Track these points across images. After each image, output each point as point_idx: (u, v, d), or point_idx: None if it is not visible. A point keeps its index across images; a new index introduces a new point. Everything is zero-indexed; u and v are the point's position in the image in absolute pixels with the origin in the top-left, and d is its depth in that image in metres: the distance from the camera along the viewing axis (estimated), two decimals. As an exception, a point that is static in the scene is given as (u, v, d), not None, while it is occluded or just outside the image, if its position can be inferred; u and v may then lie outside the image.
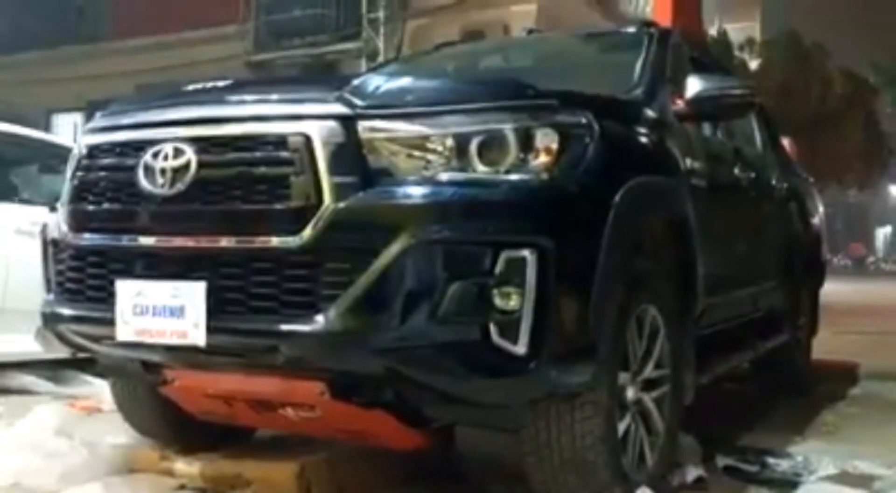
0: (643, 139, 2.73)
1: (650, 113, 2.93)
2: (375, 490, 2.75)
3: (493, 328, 2.06)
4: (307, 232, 2.06)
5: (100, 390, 3.97)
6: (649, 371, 2.63)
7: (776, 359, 4.37)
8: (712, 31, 15.38)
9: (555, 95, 2.35)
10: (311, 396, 2.31)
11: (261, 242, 2.11)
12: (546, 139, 2.20)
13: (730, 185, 3.67)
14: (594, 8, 15.20)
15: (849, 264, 35.15)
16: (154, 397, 2.85)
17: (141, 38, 15.97)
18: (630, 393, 2.53)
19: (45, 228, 2.64)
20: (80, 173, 2.47)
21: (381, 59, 13.28)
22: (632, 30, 3.79)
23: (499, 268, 2.06)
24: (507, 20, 13.63)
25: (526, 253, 2.07)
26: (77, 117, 17.91)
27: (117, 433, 3.10)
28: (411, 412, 2.35)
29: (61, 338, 2.50)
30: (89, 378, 4.54)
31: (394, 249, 2.03)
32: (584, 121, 2.32)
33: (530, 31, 4.60)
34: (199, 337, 2.15)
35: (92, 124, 2.55)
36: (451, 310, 2.04)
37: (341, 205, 2.07)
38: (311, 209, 2.07)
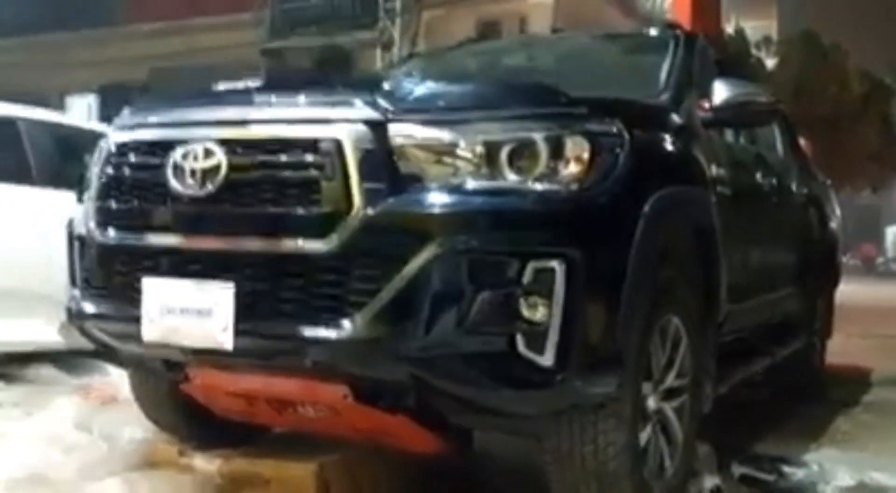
0: (671, 148, 2.71)
1: (677, 120, 2.92)
2: (393, 491, 2.76)
3: (519, 339, 2.06)
4: (336, 237, 2.06)
5: (115, 379, 3.97)
6: (670, 381, 2.63)
7: (791, 364, 4.36)
8: (729, 28, 15.27)
9: (586, 103, 2.33)
10: (335, 398, 2.32)
11: (290, 246, 2.11)
12: (577, 148, 2.19)
13: (752, 191, 3.65)
14: (612, 3, 15.13)
15: (859, 263, 35.02)
16: (173, 392, 2.86)
17: (155, 22, 15.99)
18: (651, 403, 2.53)
19: (71, 222, 2.64)
20: (108, 170, 2.47)
21: (396, 49, 13.27)
22: (657, 32, 3.77)
23: (527, 278, 2.06)
24: (524, 12, 13.59)
25: (554, 264, 2.07)
26: (91, 100, 17.97)
27: (135, 426, 3.11)
28: (433, 418, 2.35)
29: (86, 334, 2.51)
30: (106, 366, 4.54)
31: (422, 257, 2.03)
32: (614, 130, 2.31)
33: (555, 30, 4.57)
34: (226, 340, 2.16)
35: (121, 121, 2.54)
36: (479, 320, 2.04)
37: (371, 211, 2.07)
38: (340, 215, 2.07)
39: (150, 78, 16.06)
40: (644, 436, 2.46)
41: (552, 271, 2.06)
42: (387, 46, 13.16)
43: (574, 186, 2.17)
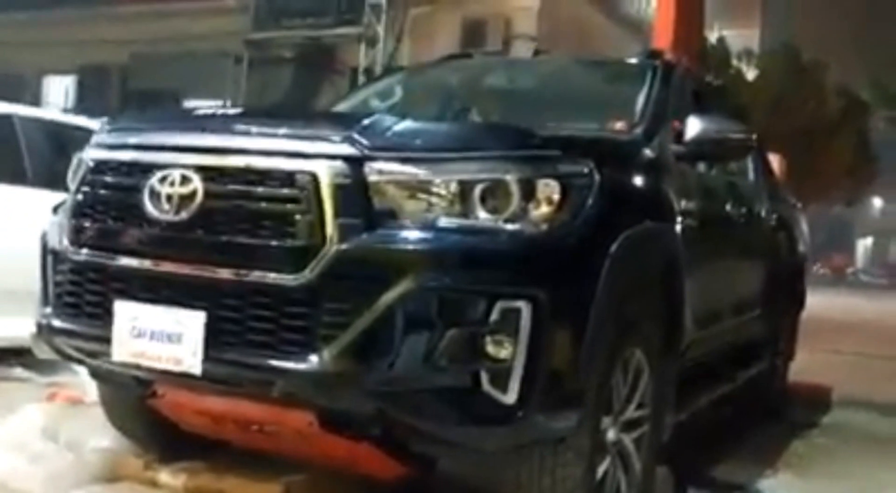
0: (641, 185, 2.78)
1: (649, 154, 2.97)
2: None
3: (484, 376, 2.11)
4: (308, 271, 2.10)
5: (84, 379, 3.97)
6: (631, 412, 2.69)
7: (752, 385, 4.45)
8: (712, 37, 15.42)
9: (558, 143, 2.38)
10: (301, 425, 2.35)
11: (262, 277, 2.15)
12: (547, 190, 2.25)
13: (721, 221, 3.73)
14: (596, 8, 15.20)
15: (828, 273, 35.48)
16: (141, 404, 2.88)
17: (138, 4, 15.82)
18: (611, 434, 2.59)
19: (44, 235, 2.65)
20: (84, 188, 2.48)
21: (380, 45, 13.24)
22: (636, 61, 3.82)
23: (494, 317, 2.11)
24: (509, 15, 13.62)
25: (521, 304, 2.12)
26: (69, 81, 17.77)
27: (101, 435, 3.12)
28: (397, 445, 2.40)
29: (56, 350, 2.52)
30: (75, 366, 4.54)
31: (393, 292, 2.08)
32: (585, 170, 2.37)
33: (537, 52, 4.62)
34: (195, 365, 2.19)
35: (99, 139, 2.56)
36: (446, 356, 2.09)
37: (344, 246, 2.11)
38: (313, 248, 2.11)
39: (130, 62, 15.91)
40: (602, 468, 2.52)
41: (518, 311, 2.11)
42: (371, 42, 13.14)
43: (543, 227, 2.22)
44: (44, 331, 2.53)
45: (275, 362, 2.12)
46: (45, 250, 2.61)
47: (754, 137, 3.30)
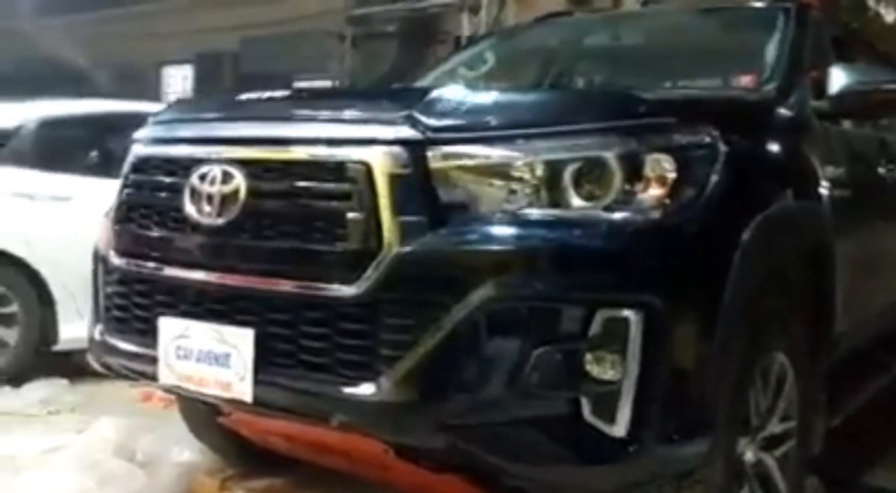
0: (777, 153, 2.27)
1: (786, 115, 2.46)
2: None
3: (585, 403, 1.72)
4: (364, 281, 1.74)
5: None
6: (773, 427, 2.23)
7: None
8: (845, -21, 14.09)
9: (671, 108, 1.93)
10: (373, 453, 2.03)
11: (313, 288, 1.81)
12: (659, 167, 1.81)
13: (874, 187, 3.14)
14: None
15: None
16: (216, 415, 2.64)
17: (246, -10, 15.88)
18: (749, 456, 2.14)
19: (96, 242, 2.41)
20: (127, 189, 2.22)
21: (483, 13, 12.76)
22: (764, 4, 3.26)
23: (594, 330, 1.70)
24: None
25: (628, 313, 1.70)
26: (187, 70, 18.16)
27: (182, 447, 2.91)
28: (488, 478, 2.03)
29: (107, 368, 2.28)
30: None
31: (468, 304, 1.69)
32: (706, 140, 1.91)
33: (645, 3, 4.09)
34: (244, 391, 1.88)
35: (143, 133, 2.28)
36: (535, 380, 1.69)
37: (405, 249, 1.74)
38: (369, 253, 1.75)
39: (241, 47, 16.06)
40: (740, 499, 2.08)
41: (625, 321, 1.70)
42: (474, 10, 12.66)
43: (655, 215, 1.79)
44: (94, 347, 2.30)
45: (330, 389, 1.78)
46: (96, 259, 2.37)
47: None
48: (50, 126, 4.44)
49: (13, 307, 4.13)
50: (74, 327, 3.89)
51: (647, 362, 1.71)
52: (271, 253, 1.88)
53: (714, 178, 1.88)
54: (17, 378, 4.06)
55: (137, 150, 2.25)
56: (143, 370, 2.13)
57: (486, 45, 3.86)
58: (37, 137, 4.38)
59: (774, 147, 2.29)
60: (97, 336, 2.27)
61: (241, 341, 1.88)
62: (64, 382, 4.17)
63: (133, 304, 2.16)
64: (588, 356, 1.71)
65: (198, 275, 1.98)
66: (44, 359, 4.30)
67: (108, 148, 4.50)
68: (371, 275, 1.74)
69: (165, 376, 2.02)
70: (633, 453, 1.73)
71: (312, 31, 14.27)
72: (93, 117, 4.60)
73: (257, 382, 1.87)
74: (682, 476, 1.89)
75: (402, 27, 13.41)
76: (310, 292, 1.81)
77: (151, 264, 2.09)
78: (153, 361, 2.05)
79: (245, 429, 2.51)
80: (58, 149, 4.42)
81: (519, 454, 1.74)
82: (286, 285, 1.85)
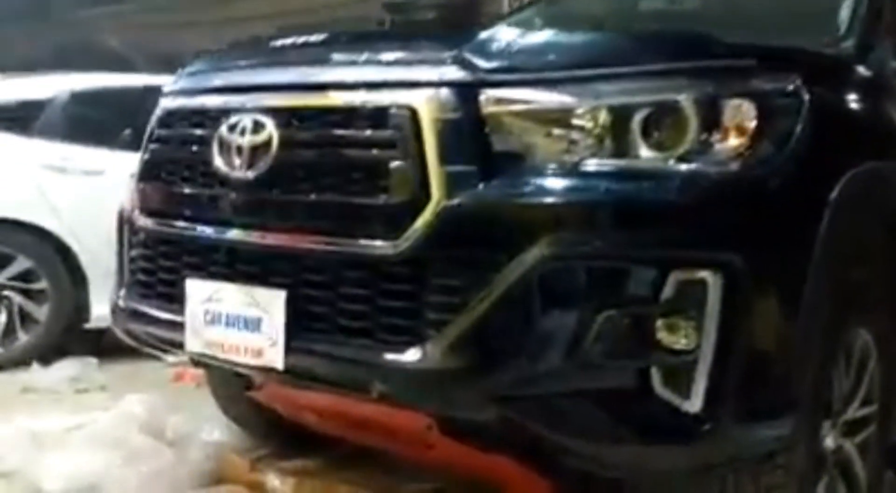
0: (861, 112, 2.06)
1: (866, 73, 2.24)
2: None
3: (655, 375, 1.53)
4: (408, 237, 1.57)
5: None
6: (853, 411, 2.02)
7: None
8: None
9: (750, 52, 1.73)
10: (416, 429, 1.86)
11: (352, 245, 1.64)
12: (739, 114, 1.61)
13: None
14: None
15: None
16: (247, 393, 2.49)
17: (284, -21, 15.84)
18: (829, 442, 1.94)
19: (121, 205, 2.27)
20: (152, 144, 2.08)
21: (524, -2, 12.53)
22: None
23: (667, 293, 1.51)
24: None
25: (706, 275, 1.51)
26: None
27: (212, 425, 2.78)
28: (541, 460, 1.85)
29: (132, 336, 2.14)
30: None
31: (523, 263, 1.51)
32: (790, 87, 1.71)
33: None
34: (276, 358, 1.72)
35: (171, 85, 2.13)
36: (599, 349, 1.51)
37: (454, 202, 1.56)
38: (414, 206, 1.57)
39: (278, 35, 16.02)
40: (821, 488, 1.88)
41: (703, 283, 1.51)
42: (515, -5, 12.44)
43: (734, 167, 1.59)
44: (117, 314, 2.16)
45: (369, 356, 1.61)
46: (121, 221, 2.23)
47: None
48: (82, 99, 4.34)
49: (43, 283, 4.04)
50: (106, 305, 3.78)
51: (727, 330, 1.52)
52: (306, 208, 1.71)
53: (799, 129, 1.68)
54: (46, 356, 3.98)
55: (164, 103, 2.10)
56: (168, 338, 1.99)
57: (534, 11, 3.66)
58: (69, 109, 4.29)
59: (858, 104, 2.07)
60: (121, 302, 2.13)
61: (273, 303, 1.72)
62: (94, 361, 4.07)
63: (159, 267, 2.01)
64: (659, 323, 1.52)
65: (227, 233, 1.83)
66: (75, 337, 4.22)
67: (141, 122, 4.38)
68: (416, 231, 1.57)
69: (192, 342, 1.87)
70: (709, 431, 1.54)
71: (349, 18, 14.16)
72: (126, 91, 4.48)
73: (290, 348, 1.71)
74: (760, 461, 1.70)
75: (441, 14, 13.24)
76: (348, 250, 1.64)
77: (178, 223, 1.94)
78: (179, 327, 1.90)
79: (278, 404, 2.36)
80: (90, 122, 4.32)
81: (579, 430, 1.56)
82: (322, 243, 1.68)
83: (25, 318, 4.03)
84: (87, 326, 4.20)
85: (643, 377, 1.53)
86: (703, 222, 1.55)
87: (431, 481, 2.29)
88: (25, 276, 4.01)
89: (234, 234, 1.81)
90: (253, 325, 1.75)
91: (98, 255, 4.01)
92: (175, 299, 1.93)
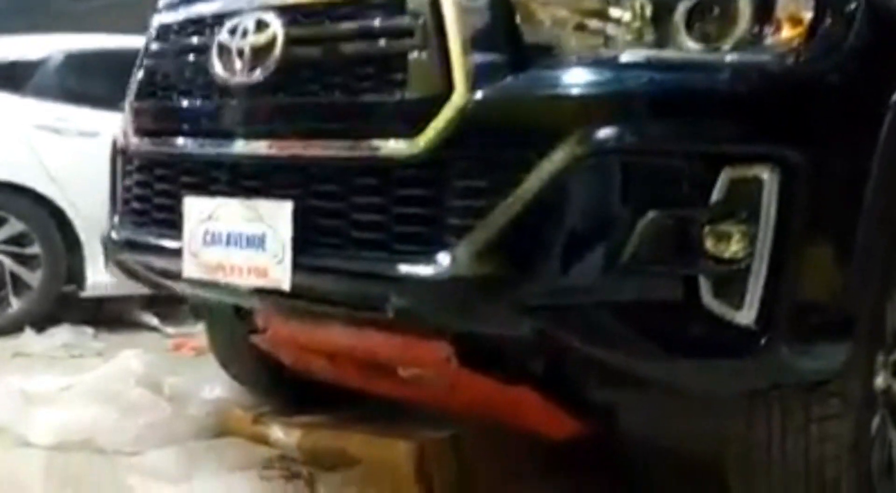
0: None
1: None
2: (510, 481, 2.13)
3: (703, 285, 1.37)
4: (429, 135, 1.41)
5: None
6: (903, 350, 1.87)
7: None
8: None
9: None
10: (434, 361, 1.71)
11: (365, 148, 1.49)
12: (793, 3, 1.45)
13: None
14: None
15: None
16: (250, 345, 2.34)
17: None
18: (880, 380, 1.78)
19: (115, 136, 2.12)
20: (147, 61, 1.93)
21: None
22: None
23: (718, 194, 1.36)
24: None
25: (763, 172, 1.36)
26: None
27: (214, 385, 2.63)
28: (567, 392, 1.70)
29: (125, 270, 1.99)
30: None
31: (555, 161, 1.35)
32: None
33: None
34: (282, 277, 1.57)
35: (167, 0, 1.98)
36: (640, 255, 1.35)
37: (479, 95, 1.41)
38: (435, 102, 1.42)
39: None
40: (874, 425, 1.73)
41: (759, 183, 1.36)
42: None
43: (790, 59, 1.44)
44: (108, 247, 2.01)
45: (388, 268, 1.46)
46: (114, 152, 2.08)
47: None
48: (77, 59, 4.19)
49: (36, 248, 3.89)
50: (102, 271, 3.63)
51: (784, 234, 1.37)
52: (314, 111, 1.57)
53: (859, 24, 1.52)
54: (40, 324, 3.83)
55: (159, 18, 1.95)
56: (164, 267, 1.84)
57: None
58: (63, 70, 4.14)
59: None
60: (113, 234, 1.98)
61: (278, 217, 1.57)
62: (90, 330, 3.93)
63: (154, 191, 1.86)
64: (708, 228, 1.37)
65: (227, 145, 1.68)
66: (71, 306, 4.07)
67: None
68: (437, 128, 1.41)
69: (191, 267, 1.72)
70: (761, 347, 1.38)
71: None
72: (122, 52, 4.33)
73: (297, 266, 1.55)
74: (812, 388, 1.55)
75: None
76: (361, 154, 1.49)
77: (175, 141, 1.80)
78: (177, 253, 1.75)
79: (282, 351, 2.21)
80: (85, 83, 4.17)
81: (619, 343, 1.40)
82: (332, 148, 1.53)
83: (18, 283, 3.88)
84: (83, 294, 4.06)
85: (690, 287, 1.38)
86: (757, 115, 1.40)
87: (449, 428, 2.14)
88: (18, 240, 3.87)
89: (234, 145, 1.67)
90: (257, 242, 1.60)
91: (94, 220, 3.86)
92: (172, 225, 1.78)
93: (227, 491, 2.01)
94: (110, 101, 4.13)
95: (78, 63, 4.19)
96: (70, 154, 3.94)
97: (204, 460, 2.20)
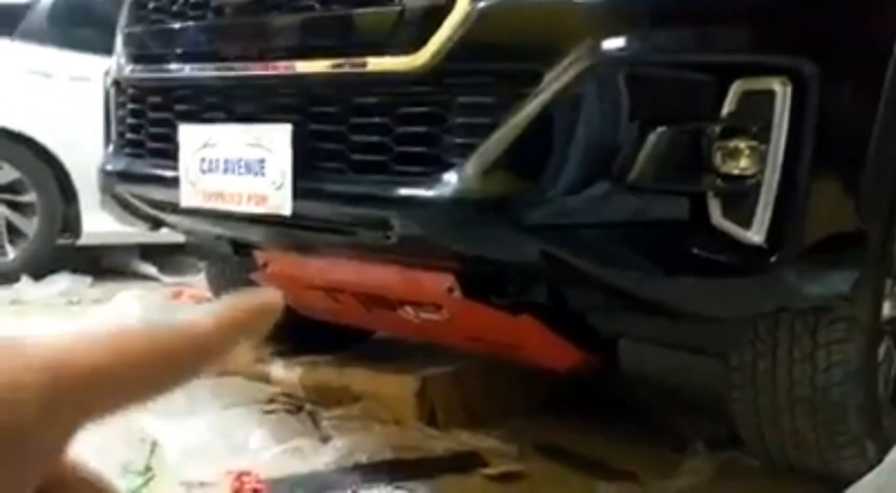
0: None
1: None
2: (512, 416, 2.13)
3: (712, 202, 1.34)
4: (430, 49, 1.37)
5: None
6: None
7: None
8: None
9: None
10: (436, 292, 1.68)
11: (364, 65, 1.44)
12: None
13: None
14: None
15: None
16: (251, 283, 2.31)
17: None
18: (886, 309, 1.76)
19: (107, 69, 2.07)
20: (138, -14, 1.87)
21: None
22: None
23: (728, 107, 1.32)
24: None
25: (774, 84, 1.31)
26: None
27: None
28: (571, 321, 1.68)
29: (121, 204, 1.95)
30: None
31: (560, 73, 1.32)
32: None
33: None
34: (282, 202, 1.54)
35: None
36: (648, 171, 1.32)
37: (483, 5, 1.36)
38: (437, 12, 1.37)
39: None
40: (881, 352, 1.71)
41: (770, 95, 1.31)
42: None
43: None
44: (102, 180, 1.97)
45: (386, 191, 1.42)
46: (107, 82, 2.02)
47: None
48: (67, 2, 4.09)
49: (31, 196, 3.83)
50: (98, 220, 3.59)
51: (796, 151, 1.33)
52: (310, 27, 1.52)
53: None
54: (36, 272, 3.79)
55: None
56: (160, 198, 1.80)
57: None
58: (53, 13, 4.05)
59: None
60: (108, 166, 1.94)
61: (277, 140, 1.53)
62: (88, 279, 3.90)
63: (149, 120, 1.82)
64: (717, 144, 1.33)
65: (222, 67, 1.63)
66: (68, 256, 4.04)
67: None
68: (439, 40, 1.37)
69: (188, 197, 1.68)
70: (770, 266, 1.36)
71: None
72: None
73: (297, 191, 1.52)
74: (820, 311, 1.52)
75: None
76: (360, 71, 1.45)
77: (169, 66, 1.75)
78: (173, 183, 1.71)
79: (283, 287, 2.18)
80: (75, 27, 4.08)
81: (626, 263, 1.38)
82: (330, 66, 1.48)
83: (13, 231, 3.84)
84: (80, 243, 4.02)
85: (698, 205, 1.35)
86: (771, 25, 1.36)
87: (451, 364, 2.12)
88: (12, 187, 3.81)
89: (229, 67, 1.62)
90: (255, 167, 1.56)
91: (88, 168, 3.80)
92: (168, 154, 1.74)
93: (230, 426, 1.99)
94: (100, 46, 4.08)
95: (68, 5, 4.10)
96: (61, 98, 3.87)
97: (207, 397, 2.18)
